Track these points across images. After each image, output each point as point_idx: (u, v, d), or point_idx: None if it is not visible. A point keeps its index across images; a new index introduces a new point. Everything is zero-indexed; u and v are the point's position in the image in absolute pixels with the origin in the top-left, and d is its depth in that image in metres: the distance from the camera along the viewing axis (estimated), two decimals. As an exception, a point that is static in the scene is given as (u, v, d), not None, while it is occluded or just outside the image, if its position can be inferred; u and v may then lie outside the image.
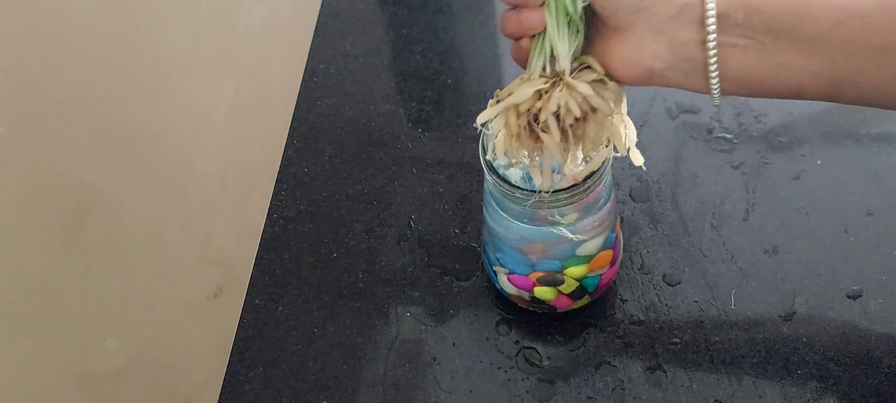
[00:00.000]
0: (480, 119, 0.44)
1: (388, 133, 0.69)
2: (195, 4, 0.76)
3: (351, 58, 0.76)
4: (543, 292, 0.52)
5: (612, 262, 0.52)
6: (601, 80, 0.42)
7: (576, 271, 0.51)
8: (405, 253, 0.61)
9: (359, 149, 0.69)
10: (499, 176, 0.47)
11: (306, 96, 0.74)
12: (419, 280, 0.59)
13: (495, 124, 0.44)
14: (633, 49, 0.40)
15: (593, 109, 0.42)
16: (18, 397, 0.60)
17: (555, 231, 0.48)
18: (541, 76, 0.42)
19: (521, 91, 0.42)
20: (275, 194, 0.66)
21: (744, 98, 0.62)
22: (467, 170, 0.65)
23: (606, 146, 0.45)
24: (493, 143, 0.45)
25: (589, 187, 0.46)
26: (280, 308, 0.59)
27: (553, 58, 0.42)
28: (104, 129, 0.65)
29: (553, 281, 0.51)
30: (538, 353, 0.54)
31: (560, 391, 0.52)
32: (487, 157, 0.47)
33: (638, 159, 0.46)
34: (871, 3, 0.37)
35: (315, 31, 0.79)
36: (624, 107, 0.44)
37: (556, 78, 0.42)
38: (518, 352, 0.54)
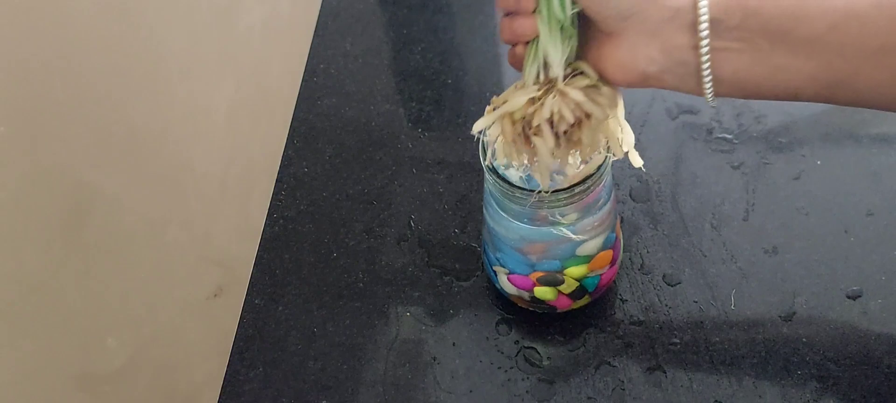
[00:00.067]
0: (477, 127, 0.45)
1: (388, 133, 0.69)
2: (195, 4, 0.76)
3: (351, 58, 0.76)
4: (543, 292, 0.52)
5: (612, 262, 0.52)
6: (594, 86, 0.42)
7: (576, 271, 0.51)
8: (405, 253, 0.61)
9: (359, 149, 0.69)
10: (499, 176, 0.47)
11: (306, 96, 0.74)
12: (419, 280, 0.59)
13: (492, 131, 0.44)
14: (627, 53, 0.40)
15: (587, 115, 0.42)
16: (18, 397, 0.60)
17: (555, 231, 0.48)
18: (535, 83, 0.42)
19: (515, 99, 0.42)
20: (275, 194, 0.66)
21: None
22: (467, 170, 0.65)
23: (604, 150, 0.45)
24: (493, 147, 0.45)
25: (589, 187, 0.46)
26: (280, 308, 0.59)
27: (547, 64, 0.42)
28: (104, 129, 0.65)
29: (553, 281, 0.51)
30: (538, 353, 0.54)
31: (560, 391, 0.52)
32: (487, 159, 0.47)
33: (637, 161, 0.46)
34: (867, 4, 0.37)
35: (315, 31, 0.79)
36: (620, 111, 0.44)
37: (550, 85, 0.42)
38: (518, 352, 0.54)
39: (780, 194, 0.60)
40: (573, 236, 0.48)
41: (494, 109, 0.44)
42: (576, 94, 0.41)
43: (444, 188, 0.65)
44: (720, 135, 0.64)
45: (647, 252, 0.58)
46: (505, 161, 0.47)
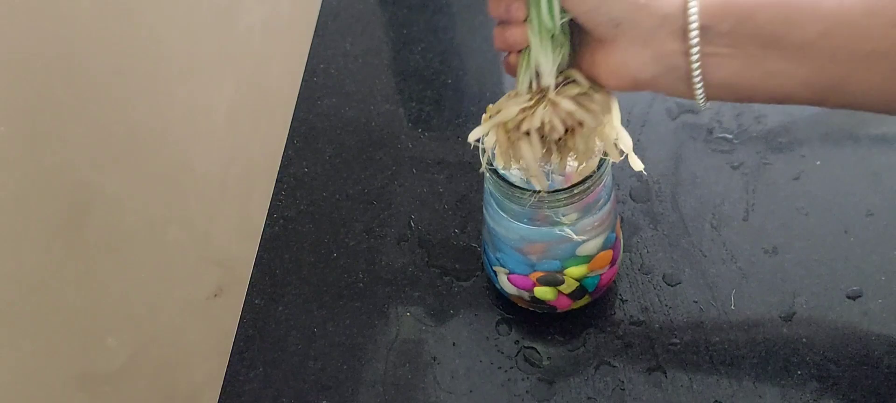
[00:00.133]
0: (472, 136, 0.45)
1: (388, 133, 0.69)
2: (195, 4, 0.76)
3: (351, 58, 0.76)
4: (543, 292, 0.52)
5: (612, 262, 0.53)
6: (586, 93, 0.42)
7: (576, 271, 0.51)
8: (405, 253, 0.61)
9: (359, 149, 0.69)
10: (499, 176, 0.47)
11: (306, 96, 0.74)
12: (419, 280, 0.59)
13: (488, 139, 0.45)
14: (619, 59, 0.40)
15: (580, 123, 0.42)
16: (18, 397, 0.60)
17: (555, 231, 0.48)
18: (528, 92, 0.43)
19: (507, 109, 0.43)
20: (275, 194, 0.66)
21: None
22: (467, 170, 0.65)
23: (601, 155, 0.46)
24: (491, 151, 0.46)
25: (589, 187, 0.46)
26: (280, 308, 0.59)
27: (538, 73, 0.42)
28: (104, 129, 0.65)
29: (553, 281, 0.51)
30: (538, 353, 0.54)
31: (560, 391, 0.52)
32: (487, 159, 0.47)
33: (637, 165, 0.46)
34: (859, 10, 0.36)
35: (315, 31, 0.79)
36: (615, 116, 0.44)
37: (542, 94, 0.42)
38: (518, 352, 0.54)
39: (780, 194, 0.60)
40: (573, 236, 0.48)
41: (490, 118, 0.44)
42: (567, 104, 0.42)
43: (444, 188, 0.65)
44: (720, 135, 0.64)
45: (647, 252, 0.58)
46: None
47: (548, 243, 0.49)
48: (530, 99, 0.42)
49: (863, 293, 0.54)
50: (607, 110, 0.43)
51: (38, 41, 0.58)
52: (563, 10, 0.40)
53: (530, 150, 0.43)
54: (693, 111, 0.66)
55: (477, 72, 0.74)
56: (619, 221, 0.53)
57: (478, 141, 0.46)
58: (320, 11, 0.81)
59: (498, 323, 0.56)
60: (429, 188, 0.65)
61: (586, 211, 0.48)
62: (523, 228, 0.49)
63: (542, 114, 0.42)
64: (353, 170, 0.67)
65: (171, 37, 0.73)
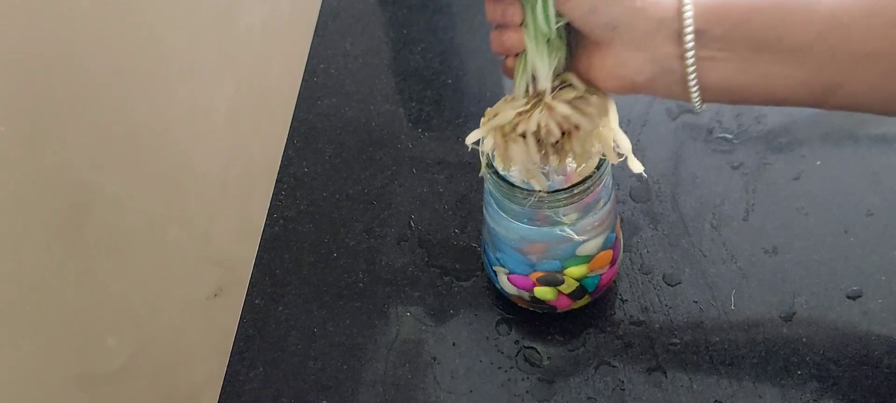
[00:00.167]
0: (470, 139, 0.45)
1: (388, 133, 0.69)
2: (195, 4, 0.76)
3: (351, 58, 0.76)
4: (543, 292, 0.52)
5: (612, 262, 0.53)
6: (582, 96, 0.43)
7: (576, 271, 0.51)
8: (405, 253, 0.61)
9: (359, 149, 0.69)
10: (499, 176, 0.47)
11: (306, 96, 0.74)
12: (419, 280, 0.59)
13: (486, 143, 0.45)
14: (616, 62, 0.41)
15: (576, 126, 0.42)
16: (18, 397, 0.60)
17: (555, 231, 0.48)
18: (524, 96, 0.43)
19: (504, 113, 0.43)
20: (275, 194, 0.66)
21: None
22: (467, 170, 0.65)
23: (599, 157, 0.46)
24: (491, 153, 0.46)
25: (589, 188, 0.46)
26: (280, 308, 0.59)
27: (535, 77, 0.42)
28: (104, 129, 0.65)
29: (553, 281, 0.51)
30: (538, 353, 0.54)
31: (560, 391, 0.52)
32: (486, 160, 0.47)
33: (637, 167, 0.46)
34: (859, 11, 0.36)
35: (315, 31, 0.79)
36: (613, 119, 0.44)
37: (538, 98, 0.43)
38: (518, 352, 0.54)
39: (780, 194, 0.60)
40: (574, 236, 0.48)
41: (488, 121, 0.44)
42: (562, 108, 0.42)
43: (444, 188, 0.65)
44: (720, 136, 0.64)
45: (647, 252, 0.58)
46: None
47: (548, 243, 0.49)
48: (527, 102, 0.43)
49: (863, 293, 0.54)
50: (604, 113, 0.43)
51: (38, 41, 0.58)
52: (559, 15, 0.40)
53: (522, 153, 0.43)
54: (693, 111, 0.66)
55: (477, 73, 0.74)
56: (619, 221, 0.53)
57: (476, 143, 0.46)
58: (320, 11, 0.81)
59: (498, 323, 0.56)
60: (429, 188, 0.65)
61: (586, 211, 0.48)
62: (523, 228, 0.49)
63: (538, 117, 0.42)
64: (353, 170, 0.67)
65: (171, 37, 0.73)
